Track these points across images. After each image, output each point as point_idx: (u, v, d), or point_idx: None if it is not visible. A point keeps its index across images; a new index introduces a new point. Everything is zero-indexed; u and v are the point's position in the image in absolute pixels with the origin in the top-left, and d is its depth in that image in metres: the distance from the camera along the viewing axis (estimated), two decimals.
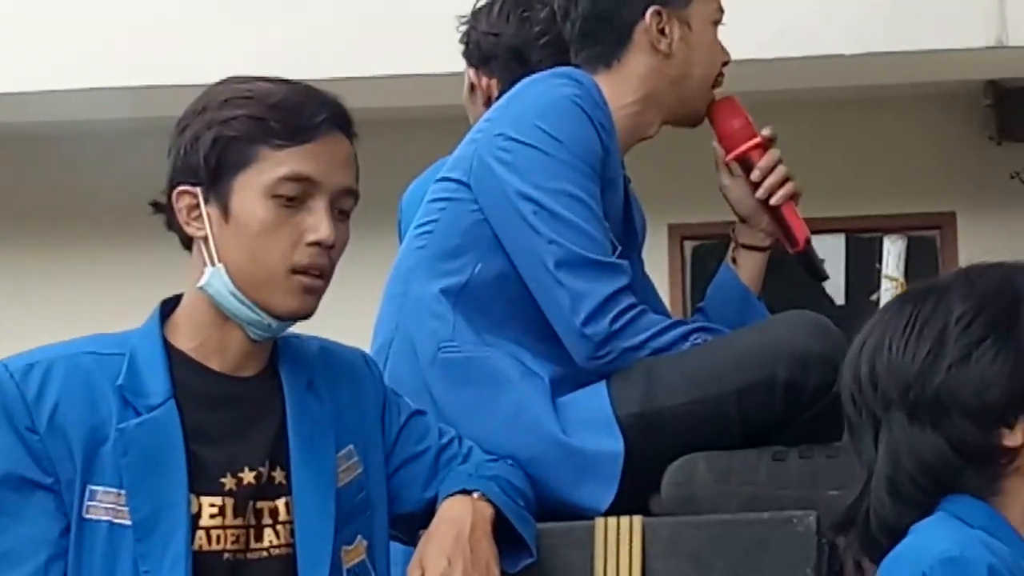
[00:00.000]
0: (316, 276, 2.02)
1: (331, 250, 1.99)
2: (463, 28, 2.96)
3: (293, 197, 1.98)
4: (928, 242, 6.16)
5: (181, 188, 2.00)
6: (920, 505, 1.79)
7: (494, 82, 2.87)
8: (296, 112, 2.01)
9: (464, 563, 2.04)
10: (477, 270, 2.41)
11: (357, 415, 2.14)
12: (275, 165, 1.98)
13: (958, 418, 1.79)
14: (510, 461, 2.29)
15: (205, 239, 2.00)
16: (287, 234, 1.99)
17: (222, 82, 2.05)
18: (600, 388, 2.37)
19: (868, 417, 1.82)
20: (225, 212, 1.99)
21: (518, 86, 2.56)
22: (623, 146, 2.58)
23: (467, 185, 2.45)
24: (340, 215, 2.01)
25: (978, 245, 6.13)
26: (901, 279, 2.92)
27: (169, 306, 2.06)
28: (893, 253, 2.91)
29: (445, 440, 2.23)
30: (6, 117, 6.02)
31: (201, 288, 2.01)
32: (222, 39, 5.33)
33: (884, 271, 2.91)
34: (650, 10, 2.53)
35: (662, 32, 2.55)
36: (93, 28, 5.72)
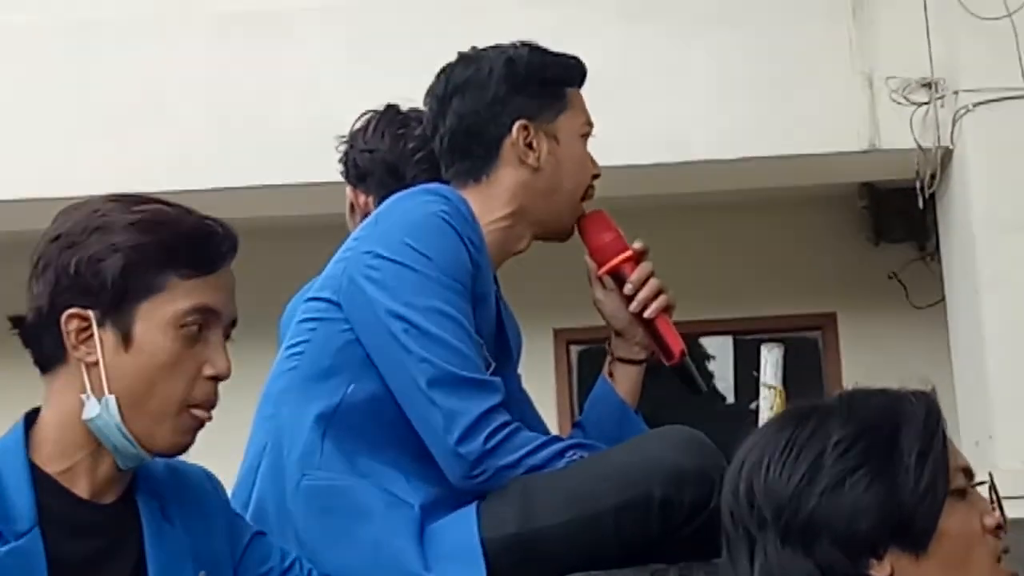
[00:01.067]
0: (206, 411, 1.99)
1: (221, 379, 1.98)
2: (342, 148, 2.97)
3: (196, 332, 1.94)
4: (810, 343, 6.23)
5: (72, 311, 1.94)
6: None
7: (371, 199, 2.90)
8: (206, 243, 1.99)
9: None
10: (349, 391, 2.42)
11: (207, 539, 2.10)
12: (183, 295, 1.95)
13: (828, 545, 1.77)
14: None
15: (93, 365, 1.94)
16: (188, 367, 1.95)
17: (112, 201, 2.00)
18: (469, 513, 2.34)
19: (744, 535, 1.80)
20: (126, 340, 1.95)
21: (386, 203, 2.58)
22: (495, 260, 2.58)
23: (337, 304, 2.45)
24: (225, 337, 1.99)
25: (859, 345, 6.22)
26: (779, 387, 2.92)
27: (32, 420, 2.01)
28: (770, 361, 2.91)
29: (287, 563, 2.21)
30: None
31: (88, 420, 1.95)
32: (81, 152, 5.30)
33: (762, 379, 2.91)
34: (517, 124, 2.55)
35: (529, 146, 2.57)
36: None
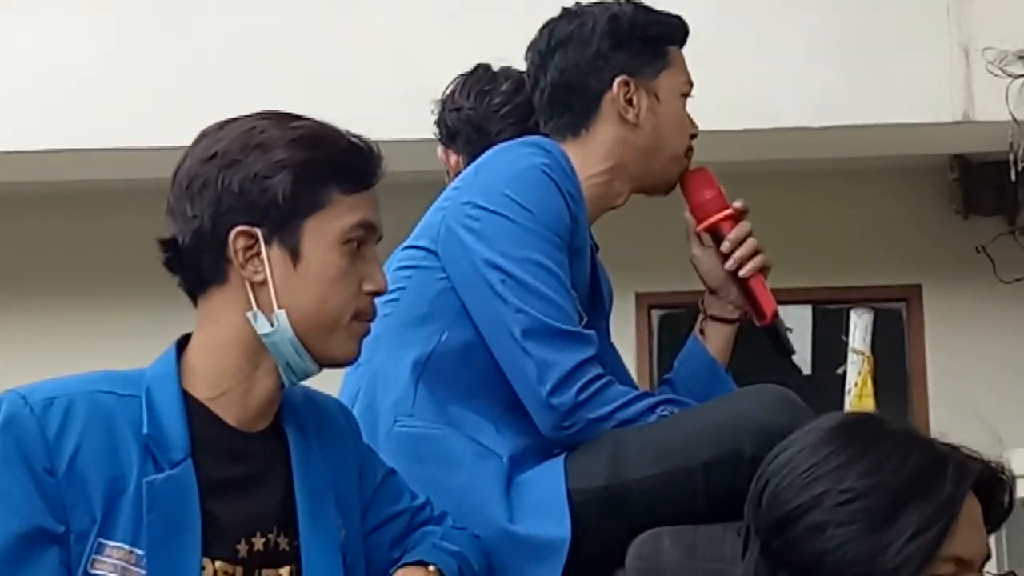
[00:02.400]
0: (369, 322, 2.05)
1: (379, 294, 2.03)
2: (435, 110, 2.98)
3: (360, 244, 1.97)
4: (895, 314, 6.19)
5: (240, 228, 1.95)
6: None
7: (461, 158, 2.93)
8: (363, 158, 2.02)
9: None
10: (444, 339, 2.43)
11: (342, 471, 2.13)
12: (348, 210, 1.98)
13: (790, 572, 1.79)
14: (475, 535, 2.28)
15: (261, 284, 1.96)
16: (353, 282, 1.99)
17: (266, 118, 2.02)
18: (558, 465, 2.36)
19: (749, 521, 1.84)
20: (294, 256, 1.97)
21: (486, 154, 2.58)
22: (591, 215, 2.59)
23: (434, 253, 2.47)
24: None
25: (944, 318, 6.17)
26: (868, 352, 2.92)
27: (184, 345, 2.03)
28: (859, 327, 2.90)
29: (419, 503, 2.22)
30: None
31: (264, 334, 1.97)
32: (186, 104, 5.35)
33: (851, 344, 2.91)
34: (618, 80, 2.57)
35: (630, 102, 2.58)
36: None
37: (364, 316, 2.00)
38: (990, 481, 1.81)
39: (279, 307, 1.92)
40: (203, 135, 2.02)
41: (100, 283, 5.59)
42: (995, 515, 1.83)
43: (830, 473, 1.76)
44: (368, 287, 1.95)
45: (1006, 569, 1.86)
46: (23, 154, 5.61)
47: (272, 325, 1.93)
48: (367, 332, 2.04)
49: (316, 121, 2.02)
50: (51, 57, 5.59)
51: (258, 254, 1.93)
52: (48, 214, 6.37)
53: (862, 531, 1.72)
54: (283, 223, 1.93)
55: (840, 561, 1.72)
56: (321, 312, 1.94)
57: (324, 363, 2.00)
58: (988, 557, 1.79)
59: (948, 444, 1.80)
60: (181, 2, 5.67)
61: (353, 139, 2.00)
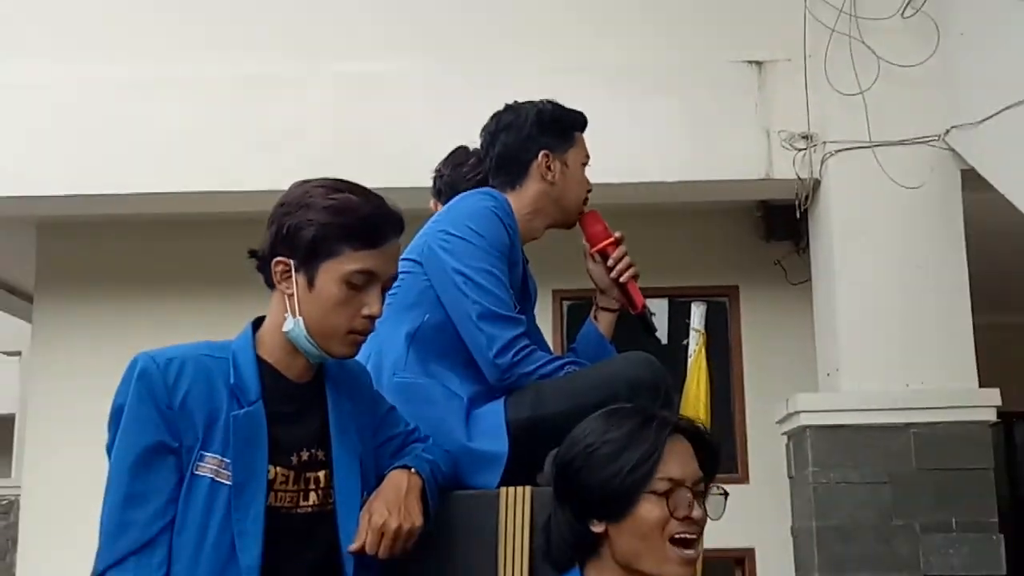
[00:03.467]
0: (363, 336, 2.02)
1: (375, 319, 1.99)
2: (432, 175, 3.04)
3: (360, 286, 1.96)
4: (721, 305, 6.25)
5: (279, 258, 1.97)
6: (558, 554, 1.91)
7: (439, 206, 2.92)
8: (374, 227, 1.98)
9: (398, 513, 2.01)
10: (426, 319, 2.49)
11: (361, 409, 2.13)
12: (352, 261, 1.95)
13: (572, 507, 1.89)
14: (447, 449, 2.30)
15: (291, 296, 1.97)
16: (351, 309, 1.97)
17: (320, 186, 2.00)
18: (499, 404, 2.39)
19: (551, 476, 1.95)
20: (310, 284, 1.96)
21: (456, 198, 2.61)
22: (523, 240, 2.62)
23: (420, 263, 2.52)
24: (383, 290, 2.00)
25: (754, 308, 6.26)
26: (702, 330, 2.97)
27: (257, 324, 2.04)
28: (697, 313, 2.96)
29: (409, 428, 2.25)
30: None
31: (286, 330, 1.98)
32: (252, 164, 5.30)
33: (692, 325, 2.96)
34: (541, 153, 2.63)
35: (548, 168, 2.62)
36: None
37: (359, 331, 2.00)
38: (690, 430, 1.90)
39: (297, 315, 1.94)
40: (289, 188, 2.05)
41: (207, 285, 5.55)
42: (705, 449, 1.91)
43: (585, 438, 1.88)
44: (365, 312, 1.97)
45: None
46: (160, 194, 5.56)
47: (290, 325, 1.95)
48: (363, 341, 2.03)
49: (356, 192, 2.02)
50: (178, 133, 5.53)
51: (289, 276, 1.96)
52: (175, 237, 6.35)
53: (605, 464, 1.81)
54: (306, 261, 1.96)
55: (595, 484, 1.81)
56: (322, 324, 1.96)
57: (328, 356, 2.01)
58: (701, 478, 1.85)
59: (660, 412, 1.92)
60: (244, 95, 5.59)
61: (376, 211, 2.00)
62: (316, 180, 2.03)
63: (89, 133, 5.53)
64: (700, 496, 1.83)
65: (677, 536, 1.78)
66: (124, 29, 5.72)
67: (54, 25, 5.75)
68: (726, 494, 1.93)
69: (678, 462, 1.82)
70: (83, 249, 6.51)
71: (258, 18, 5.72)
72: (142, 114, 5.53)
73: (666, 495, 1.78)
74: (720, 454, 1.95)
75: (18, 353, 8.48)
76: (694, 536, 1.80)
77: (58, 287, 6.57)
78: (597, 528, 1.81)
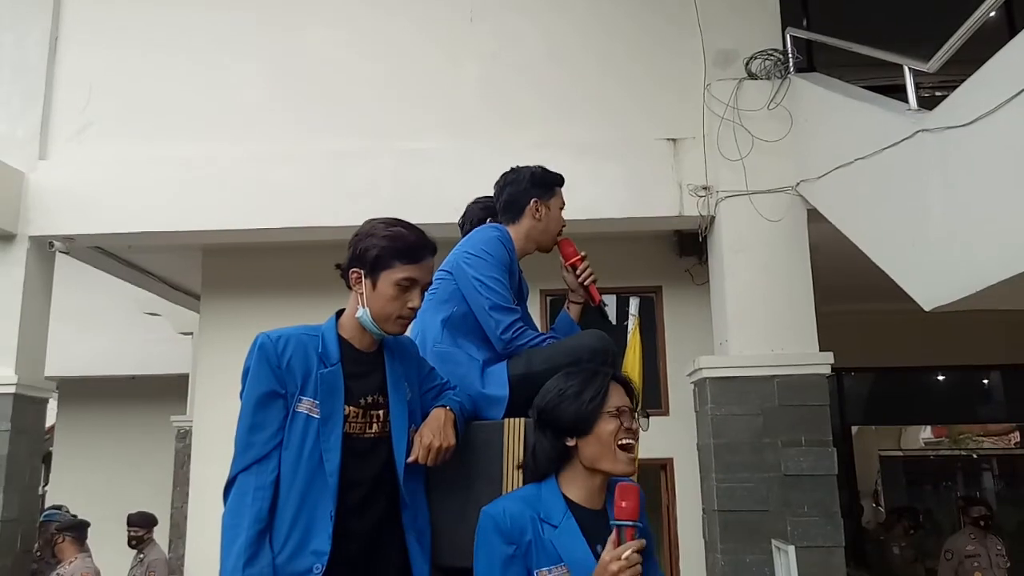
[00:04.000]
0: (408, 321, 2.03)
1: (416, 310, 2.00)
2: (459, 220, 2.92)
3: (406, 287, 1.98)
4: (650, 299, 6.23)
5: (354, 269, 2.00)
6: (542, 467, 1.88)
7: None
8: (416, 249, 2.00)
9: (439, 436, 2.01)
10: (455, 310, 2.44)
11: (409, 370, 2.13)
12: (401, 272, 1.97)
13: (551, 430, 1.88)
14: (470, 394, 2.30)
15: (361, 295, 1.98)
16: (400, 302, 1.98)
17: (382, 221, 2.02)
18: (503, 365, 2.38)
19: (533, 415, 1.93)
20: (373, 286, 1.97)
21: (473, 231, 2.60)
22: (519, 256, 2.61)
23: (451, 273, 2.49)
24: (422, 291, 2.02)
25: (672, 300, 6.22)
26: (637, 315, 2.95)
27: (340, 313, 2.04)
28: (633, 304, 2.94)
29: (444, 381, 2.26)
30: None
31: (358, 315, 1.99)
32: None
33: (630, 312, 2.93)
34: (533, 200, 2.59)
35: (537, 210, 2.59)
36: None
37: (405, 317, 2.01)
38: (620, 378, 1.92)
39: (365, 307, 1.95)
40: (362, 224, 2.05)
41: (314, 288, 5.56)
42: (630, 390, 1.91)
43: (555, 385, 1.89)
44: (410, 305, 1.99)
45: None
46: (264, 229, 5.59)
47: (360, 312, 1.96)
48: (408, 324, 2.04)
49: (404, 226, 2.03)
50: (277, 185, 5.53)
51: (360, 281, 1.97)
52: (294, 256, 6.31)
53: (573, 400, 1.83)
54: (371, 271, 1.98)
55: (569, 413, 1.83)
56: (381, 312, 1.98)
57: (385, 334, 2.02)
58: (632, 407, 1.87)
59: (601, 368, 1.93)
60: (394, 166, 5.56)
61: (417, 240, 2.01)
62: (380, 218, 2.05)
63: (234, 188, 5.58)
64: (634, 417, 1.86)
65: (623, 442, 1.80)
66: (260, 116, 5.74)
67: (201, 114, 5.80)
68: (648, 416, 2.00)
69: (618, 395, 1.85)
70: (233, 264, 6.52)
71: (344, 110, 5.75)
72: (270, 175, 5.59)
73: (616, 415, 1.82)
74: (637, 394, 1.95)
75: (191, 333, 8.46)
76: (633, 442, 1.82)
77: (217, 289, 6.59)
78: (570, 443, 1.81)
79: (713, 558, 4.85)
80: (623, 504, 1.70)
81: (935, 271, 3.64)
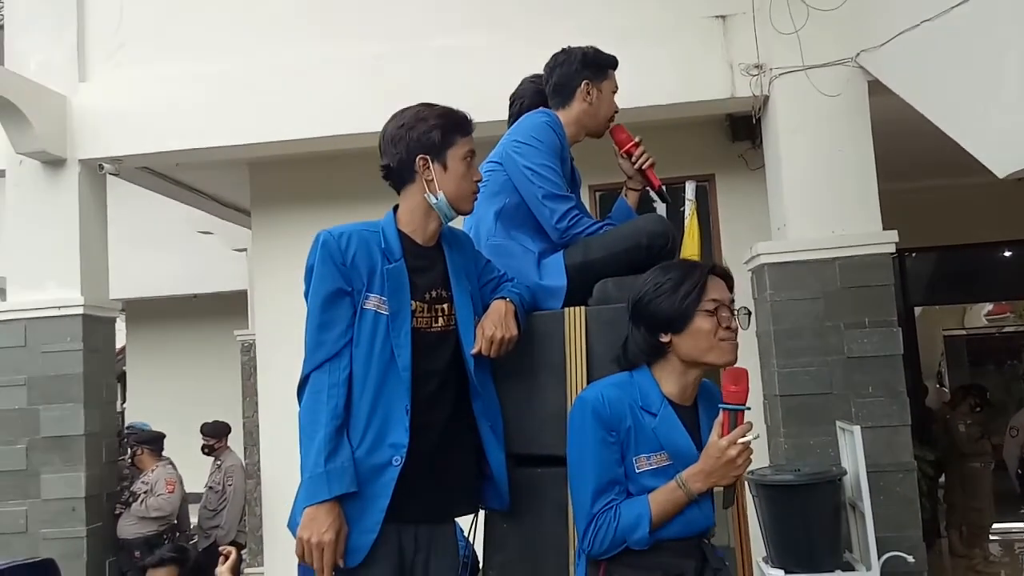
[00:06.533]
0: (476, 196, 2.05)
1: (480, 182, 2.05)
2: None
3: (470, 161, 1.98)
4: (704, 188, 6.09)
5: (421, 156, 1.94)
6: (634, 360, 1.82)
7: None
8: (467, 120, 2.00)
9: (502, 327, 2.01)
10: (507, 201, 2.40)
11: (467, 263, 2.11)
12: (463, 145, 1.97)
13: (646, 324, 1.81)
14: (527, 285, 2.27)
15: (430, 181, 1.94)
16: (470, 177, 1.98)
17: (420, 107, 1.98)
18: (560, 255, 2.32)
19: (629, 306, 1.86)
20: (444, 168, 1.95)
21: (522, 118, 2.50)
22: (570, 143, 2.50)
23: (500, 163, 2.43)
24: None
25: (726, 187, 6.08)
26: (694, 200, 2.87)
27: (394, 211, 2.01)
28: (689, 189, 2.86)
29: (501, 273, 2.24)
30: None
31: (433, 204, 1.96)
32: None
33: (686, 197, 2.85)
34: (584, 82, 2.48)
35: (588, 93, 2.49)
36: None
37: (476, 193, 2.02)
38: (720, 270, 1.83)
39: (438, 192, 1.92)
40: (394, 116, 2.01)
41: (360, 194, 5.58)
42: (729, 282, 1.84)
43: (651, 278, 1.81)
44: (476, 178, 1.97)
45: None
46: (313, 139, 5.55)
47: (436, 199, 1.92)
48: (475, 199, 2.04)
49: (442, 106, 2.01)
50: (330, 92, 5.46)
51: (429, 167, 1.92)
52: (340, 166, 6.33)
53: (668, 295, 1.75)
54: (439, 152, 1.94)
55: (664, 309, 1.76)
56: (458, 192, 1.96)
57: (461, 213, 2.02)
58: (732, 300, 1.80)
59: (700, 262, 1.86)
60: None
61: (462, 113, 2.02)
62: (409, 107, 2.02)
63: (273, 99, 5.54)
64: (732, 313, 1.78)
65: (723, 340, 1.74)
66: (294, 23, 5.65)
67: (234, 26, 5.72)
68: (749, 312, 1.91)
69: (717, 290, 1.76)
70: (280, 177, 6.54)
71: (379, 10, 5.61)
72: (310, 83, 5.52)
73: (714, 312, 1.74)
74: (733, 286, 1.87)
75: (245, 249, 8.61)
76: (733, 339, 1.76)
77: (266, 204, 6.63)
78: (664, 339, 1.76)
79: (776, 442, 4.87)
80: (733, 388, 1.68)
81: (1009, 135, 3.45)
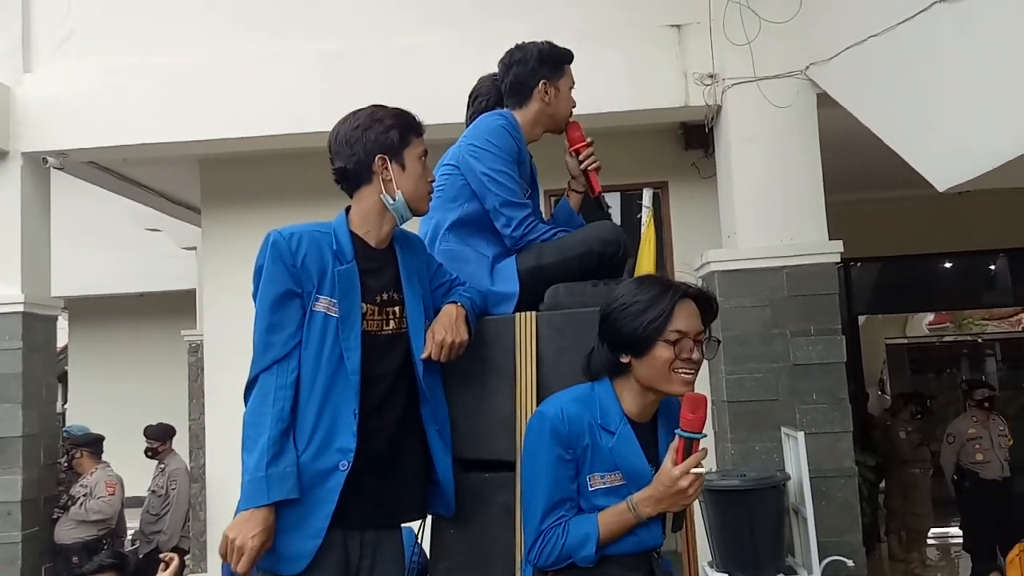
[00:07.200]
0: (431, 196, 2.07)
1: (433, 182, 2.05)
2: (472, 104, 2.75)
3: (425, 160, 1.99)
4: (658, 193, 6.12)
5: (379, 156, 1.94)
6: (597, 372, 1.81)
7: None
8: (419, 122, 2.01)
9: (452, 331, 2.00)
10: (466, 207, 2.38)
11: (419, 266, 2.10)
12: (418, 145, 1.98)
13: (610, 342, 1.80)
14: (479, 290, 2.26)
15: (388, 181, 1.94)
16: (424, 177, 1.98)
17: (373, 107, 1.97)
18: (512, 259, 2.31)
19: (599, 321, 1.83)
20: (402, 168, 1.94)
21: (478, 120, 2.48)
22: (528, 142, 2.48)
23: (456, 167, 2.41)
24: None
25: (679, 194, 6.14)
26: (651, 207, 2.88)
27: (347, 211, 2.00)
28: (647, 195, 2.89)
29: (453, 277, 2.23)
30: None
31: (390, 205, 1.95)
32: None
33: (644, 204, 2.88)
34: (542, 81, 2.47)
35: (546, 92, 2.48)
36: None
37: (430, 192, 2.02)
38: (698, 294, 1.78)
39: (398, 190, 1.91)
40: (345, 119, 1.99)
41: (311, 194, 5.53)
42: (709, 309, 1.80)
43: (624, 294, 1.77)
44: (429, 178, 1.99)
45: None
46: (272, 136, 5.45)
47: (394, 200, 1.91)
48: (431, 200, 2.05)
49: (396, 107, 2.00)
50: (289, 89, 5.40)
51: (387, 168, 1.91)
52: (289, 164, 6.25)
53: (633, 318, 1.72)
54: (396, 152, 1.93)
55: (626, 331, 1.73)
56: (415, 192, 1.96)
57: (416, 215, 2.03)
58: (701, 331, 1.74)
59: (678, 282, 1.79)
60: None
61: (412, 115, 2.01)
62: (360, 109, 2.00)
63: (224, 94, 5.44)
64: (700, 343, 1.73)
65: (680, 371, 1.70)
66: (246, 17, 5.57)
67: (185, 18, 5.61)
68: (719, 342, 1.86)
69: (684, 319, 1.71)
70: (231, 175, 6.44)
71: (334, 6, 5.56)
72: (263, 79, 5.43)
73: (674, 343, 1.69)
74: (717, 311, 1.82)
75: (194, 248, 8.45)
76: (692, 371, 1.72)
77: (217, 201, 6.52)
78: (625, 359, 1.74)
79: (723, 447, 4.93)
80: (691, 416, 1.63)
81: (950, 150, 3.55)
